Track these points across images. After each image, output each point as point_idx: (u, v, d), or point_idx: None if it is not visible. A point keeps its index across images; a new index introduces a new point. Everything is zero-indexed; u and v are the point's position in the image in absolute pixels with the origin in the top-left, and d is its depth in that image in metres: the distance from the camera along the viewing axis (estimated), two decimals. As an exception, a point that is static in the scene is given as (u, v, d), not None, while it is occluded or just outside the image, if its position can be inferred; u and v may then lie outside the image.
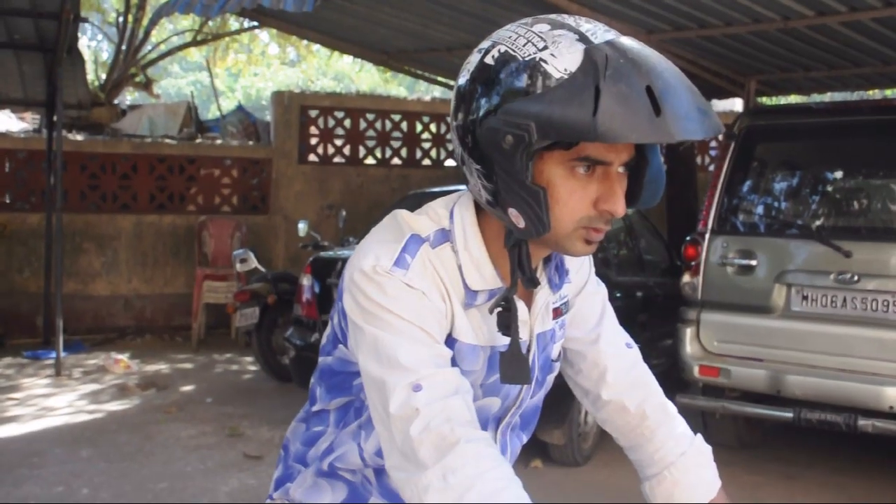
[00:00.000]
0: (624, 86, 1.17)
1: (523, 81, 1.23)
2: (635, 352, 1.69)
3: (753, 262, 5.59)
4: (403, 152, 11.61)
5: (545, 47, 1.23)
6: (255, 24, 13.57)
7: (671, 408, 1.67)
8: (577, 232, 1.31)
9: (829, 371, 5.23)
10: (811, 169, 5.93)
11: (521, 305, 1.40)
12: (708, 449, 1.65)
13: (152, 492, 5.04)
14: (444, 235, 1.39)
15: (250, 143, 11.37)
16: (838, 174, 5.89)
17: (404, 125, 11.60)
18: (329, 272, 6.23)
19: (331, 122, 11.30)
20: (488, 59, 1.27)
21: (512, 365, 1.35)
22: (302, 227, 7.61)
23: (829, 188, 5.88)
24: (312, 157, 11.17)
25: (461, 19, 7.56)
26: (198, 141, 11.32)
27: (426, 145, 11.73)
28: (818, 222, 5.62)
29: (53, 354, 8.12)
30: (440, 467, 1.22)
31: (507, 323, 1.35)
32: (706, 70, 8.18)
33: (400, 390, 1.26)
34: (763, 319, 5.49)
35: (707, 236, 5.74)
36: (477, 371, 1.41)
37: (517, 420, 1.55)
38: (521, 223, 1.27)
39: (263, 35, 17.25)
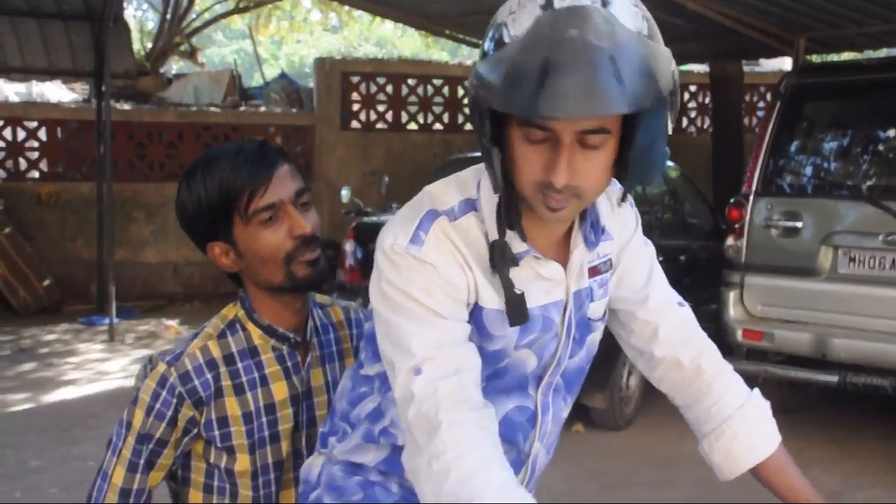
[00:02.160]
0: (528, 57, 1.18)
1: (488, 43, 1.27)
2: (687, 310, 1.65)
3: (799, 224, 5.53)
4: (445, 117, 11.60)
5: (513, 11, 1.24)
6: (297, -10, 13.61)
7: (727, 364, 1.64)
8: (536, 196, 1.30)
9: (876, 334, 5.17)
10: (860, 128, 5.83)
11: (554, 266, 1.42)
12: (766, 404, 1.61)
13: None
14: (470, 205, 1.39)
15: (293, 110, 11.44)
16: (889, 133, 5.79)
17: (446, 90, 11.59)
18: (372, 238, 6.19)
19: (373, 88, 11.30)
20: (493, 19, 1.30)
21: (514, 309, 1.36)
22: (345, 193, 7.61)
23: (880, 147, 5.78)
24: (355, 124, 11.21)
25: (503, -19, 7.51)
26: (241, 109, 11.44)
27: (468, 110, 11.65)
28: (867, 183, 5.53)
29: (107, 320, 8.32)
30: (427, 454, 1.26)
31: (498, 265, 1.36)
32: (753, 28, 8.00)
33: (402, 374, 1.31)
34: (808, 282, 5.44)
35: (751, 198, 5.70)
36: (508, 335, 1.41)
37: (560, 381, 1.53)
38: (490, 179, 1.33)
39: (305, 1, 17.29)
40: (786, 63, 10.32)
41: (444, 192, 1.41)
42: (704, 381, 1.61)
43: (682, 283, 6.15)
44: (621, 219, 1.57)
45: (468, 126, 11.60)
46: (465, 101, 11.61)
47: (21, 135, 10.09)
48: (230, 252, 1.66)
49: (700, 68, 11.41)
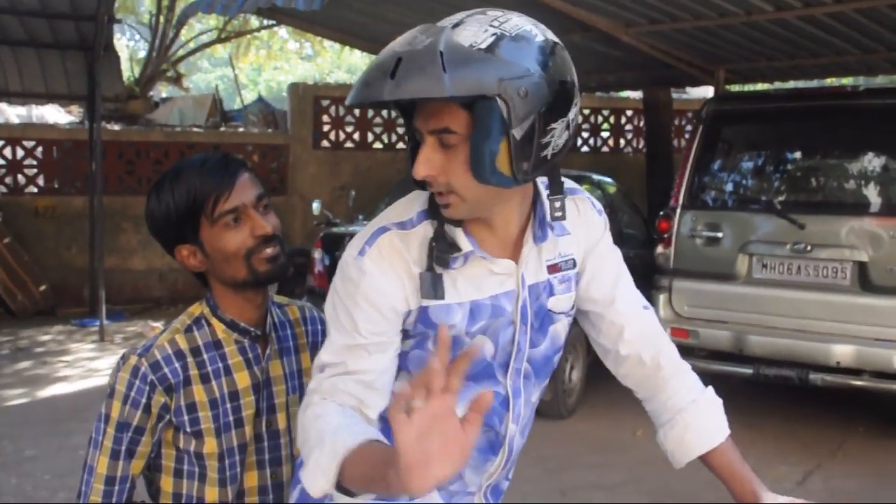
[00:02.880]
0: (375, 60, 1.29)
1: None
2: (651, 313, 1.63)
3: (719, 235, 5.60)
4: (408, 137, 11.54)
5: None
6: (274, 22, 13.53)
7: (684, 364, 1.63)
8: (433, 191, 1.36)
9: (785, 331, 5.28)
10: (771, 149, 5.91)
11: (505, 261, 1.43)
12: (718, 400, 1.60)
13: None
14: (425, 214, 1.41)
15: (269, 130, 11.40)
16: (795, 154, 5.88)
17: (409, 112, 11.55)
18: (338, 246, 6.24)
19: (342, 111, 11.25)
20: None
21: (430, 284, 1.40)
22: (316, 206, 7.57)
23: (787, 167, 5.88)
24: (325, 143, 11.15)
25: (458, 16, 7.51)
26: (222, 129, 11.39)
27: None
28: (777, 198, 5.62)
29: (98, 322, 8.22)
30: (299, 429, 1.37)
31: (440, 257, 1.39)
32: (680, 60, 8.13)
33: (315, 369, 1.42)
34: (727, 286, 5.52)
35: (678, 211, 5.75)
36: (456, 324, 1.41)
37: (528, 368, 1.52)
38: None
39: (282, 32, 17.20)
40: (710, 91, 10.49)
41: (403, 207, 1.44)
42: (662, 377, 1.60)
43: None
44: (587, 223, 1.56)
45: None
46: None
47: (20, 153, 9.98)
48: (197, 253, 1.67)
49: (635, 95, 11.54)
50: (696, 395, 1.58)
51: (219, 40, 15.80)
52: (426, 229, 1.40)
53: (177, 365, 1.64)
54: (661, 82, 9.59)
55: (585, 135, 12.04)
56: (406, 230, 1.40)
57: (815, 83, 10.24)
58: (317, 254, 6.54)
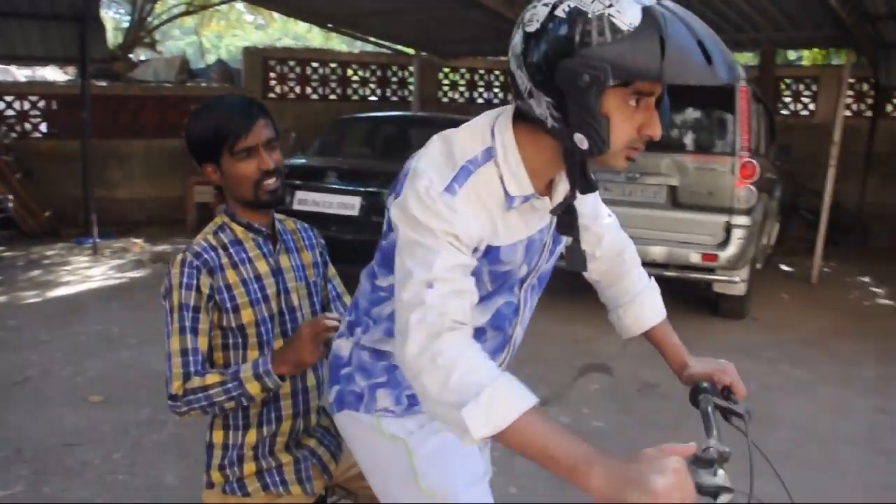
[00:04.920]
0: (682, 40, 1.03)
1: (595, 32, 1.05)
2: (615, 219, 1.55)
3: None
4: (338, 90, 11.31)
5: (611, 5, 1.05)
6: (230, -3, 12.94)
7: (638, 258, 1.58)
8: (622, 152, 1.14)
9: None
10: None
11: (545, 200, 1.28)
12: (658, 288, 1.57)
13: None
14: (489, 154, 1.20)
15: (227, 85, 10.96)
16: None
17: (339, 70, 11.29)
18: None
19: (286, 69, 10.90)
20: (559, 12, 1.08)
21: (575, 256, 1.28)
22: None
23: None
24: (272, 95, 10.81)
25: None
26: (188, 85, 10.88)
27: (355, 85, 11.44)
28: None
29: (91, 240, 7.96)
30: (430, 353, 1.07)
31: (570, 223, 1.24)
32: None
33: (417, 283, 1.11)
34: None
35: None
36: (516, 259, 1.28)
37: (535, 281, 1.40)
38: (584, 145, 1.10)
39: (239, 6, 16.43)
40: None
41: (468, 142, 1.20)
42: (625, 269, 1.55)
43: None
44: None
45: (354, 97, 11.36)
46: (353, 78, 11.35)
47: (27, 105, 9.49)
48: (217, 172, 1.66)
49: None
50: (646, 282, 1.56)
51: (187, 13, 14.94)
52: (489, 171, 1.19)
53: (213, 254, 1.64)
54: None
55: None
56: (476, 168, 1.18)
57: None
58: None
